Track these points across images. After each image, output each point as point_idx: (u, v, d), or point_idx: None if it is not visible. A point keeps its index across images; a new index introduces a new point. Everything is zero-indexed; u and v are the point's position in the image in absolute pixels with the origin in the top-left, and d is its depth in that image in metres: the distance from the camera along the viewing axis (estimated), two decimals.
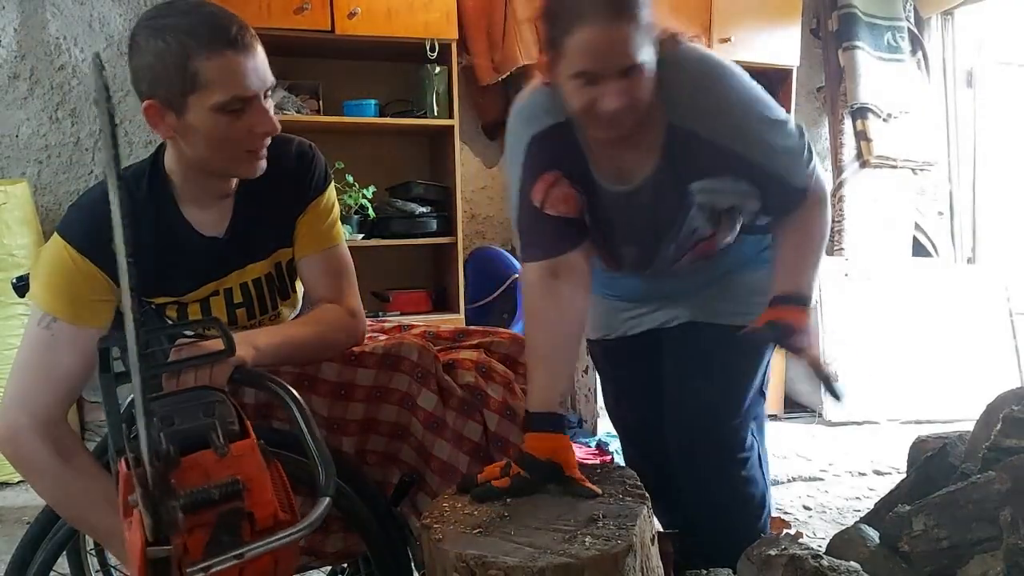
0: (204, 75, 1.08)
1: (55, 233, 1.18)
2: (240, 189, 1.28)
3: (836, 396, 1.38)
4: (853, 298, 3.57)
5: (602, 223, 1.39)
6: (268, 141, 1.20)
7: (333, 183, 1.38)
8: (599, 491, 1.18)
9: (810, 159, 1.35)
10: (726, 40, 3.27)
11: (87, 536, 1.39)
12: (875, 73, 3.69)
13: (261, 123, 1.14)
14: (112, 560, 1.44)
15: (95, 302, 1.17)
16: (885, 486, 2.26)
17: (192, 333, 1.11)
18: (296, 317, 1.33)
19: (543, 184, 1.32)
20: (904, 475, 1.75)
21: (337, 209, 1.37)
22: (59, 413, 1.15)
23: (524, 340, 1.45)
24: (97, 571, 1.49)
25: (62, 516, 1.18)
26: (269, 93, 1.17)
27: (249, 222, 1.29)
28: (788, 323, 1.31)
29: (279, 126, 1.18)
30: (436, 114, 3.04)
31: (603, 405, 1.87)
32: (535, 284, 1.36)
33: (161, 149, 1.25)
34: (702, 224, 1.38)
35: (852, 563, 1.27)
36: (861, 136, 3.71)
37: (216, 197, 1.26)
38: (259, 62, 1.13)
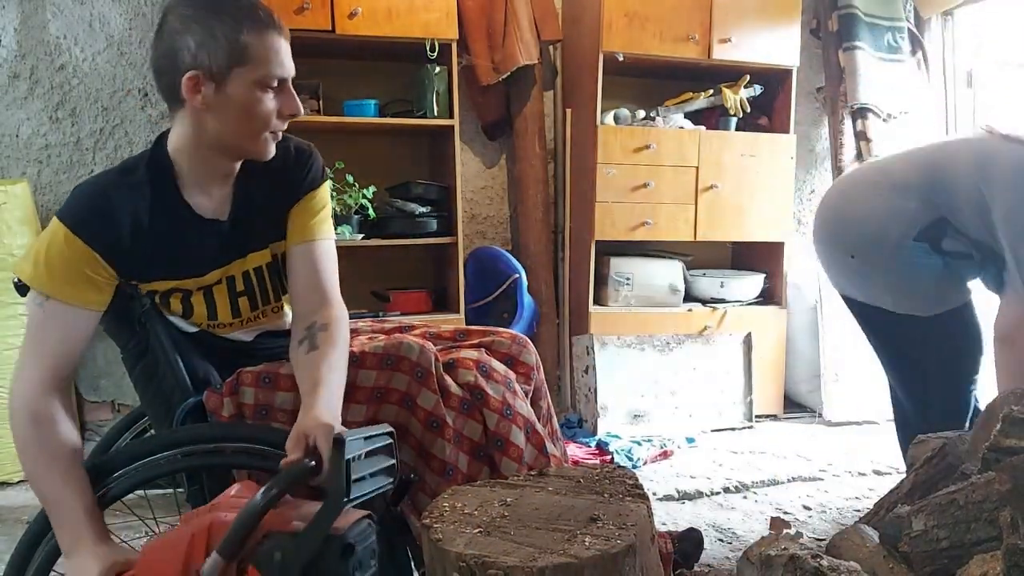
0: (253, 50, 1.18)
1: (54, 217, 1.21)
2: (240, 178, 1.32)
3: None
4: None
5: None
6: (285, 127, 1.27)
7: (329, 184, 1.40)
8: None
9: None
10: (726, 40, 3.23)
11: None
12: (875, 73, 3.68)
13: (289, 105, 1.24)
14: None
15: (87, 282, 1.20)
16: (885, 486, 2.26)
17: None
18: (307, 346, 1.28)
19: None
20: (904, 475, 1.75)
21: (329, 208, 1.40)
22: (50, 386, 1.18)
23: (524, 339, 1.48)
24: None
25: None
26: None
27: (248, 210, 1.32)
28: None
29: (303, 110, 1.27)
30: (436, 114, 3.04)
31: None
32: None
33: (163, 136, 1.28)
34: None
35: (852, 563, 1.27)
36: (861, 136, 3.70)
37: (219, 179, 1.30)
38: (289, 50, 1.24)
